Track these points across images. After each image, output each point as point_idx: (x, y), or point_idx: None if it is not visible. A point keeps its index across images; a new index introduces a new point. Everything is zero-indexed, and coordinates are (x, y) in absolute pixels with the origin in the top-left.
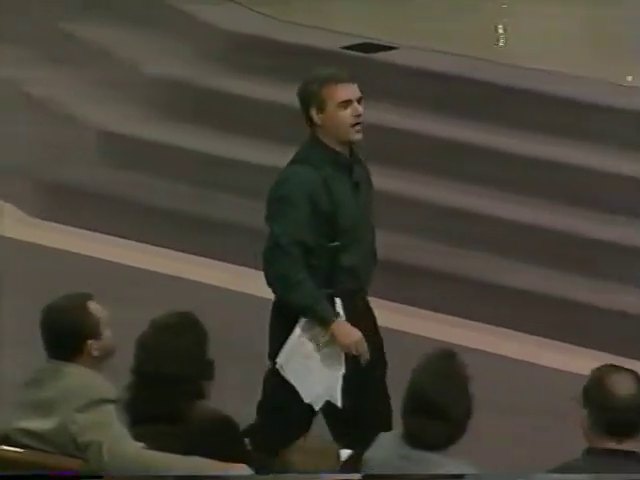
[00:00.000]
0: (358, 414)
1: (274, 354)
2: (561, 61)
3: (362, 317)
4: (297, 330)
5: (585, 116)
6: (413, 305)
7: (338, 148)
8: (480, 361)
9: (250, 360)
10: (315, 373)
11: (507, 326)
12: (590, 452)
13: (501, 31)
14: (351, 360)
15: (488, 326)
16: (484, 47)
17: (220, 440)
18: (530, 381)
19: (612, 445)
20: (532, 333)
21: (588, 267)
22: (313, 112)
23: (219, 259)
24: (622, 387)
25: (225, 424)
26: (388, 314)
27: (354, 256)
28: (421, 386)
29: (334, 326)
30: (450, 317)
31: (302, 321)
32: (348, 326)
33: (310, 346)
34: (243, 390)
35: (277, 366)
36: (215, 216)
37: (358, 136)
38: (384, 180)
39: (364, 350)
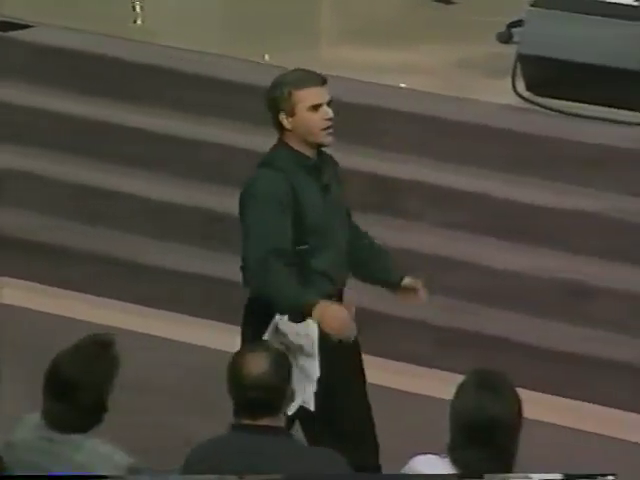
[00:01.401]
0: (334, 416)
1: None
2: (200, 39)
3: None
4: (266, 336)
5: (225, 93)
6: (62, 287)
7: (306, 152)
8: (130, 342)
9: None
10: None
11: (156, 306)
12: (234, 428)
13: (138, 10)
14: (325, 363)
15: (137, 306)
16: (121, 25)
17: None
18: (178, 359)
19: (249, 421)
20: (184, 313)
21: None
22: (282, 116)
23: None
24: (251, 366)
25: None
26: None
27: (325, 259)
28: (60, 368)
29: (318, 311)
30: (97, 298)
31: (271, 327)
32: (333, 307)
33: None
34: None
35: None
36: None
37: (329, 139)
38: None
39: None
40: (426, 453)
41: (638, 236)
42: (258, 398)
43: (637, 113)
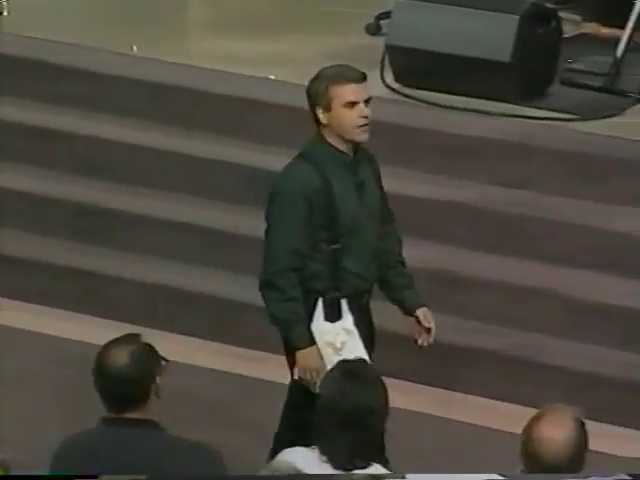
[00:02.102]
0: None
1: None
2: (68, 31)
3: (364, 317)
4: (316, 337)
5: (94, 85)
6: None
7: (342, 147)
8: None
9: None
10: None
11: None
12: (103, 421)
13: (4, 1)
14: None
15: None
16: None
17: None
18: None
19: (115, 415)
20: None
21: None
22: (319, 111)
23: None
24: (112, 360)
25: None
26: None
27: (357, 259)
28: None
29: (297, 357)
30: None
31: (314, 331)
32: (313, 353)
33: (329, 351)
34: None
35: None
36: None
37: (364, 137)
38: None
39: (313, 381)
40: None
41: (508, 226)
42: (121, 391)
43: (505, 104)
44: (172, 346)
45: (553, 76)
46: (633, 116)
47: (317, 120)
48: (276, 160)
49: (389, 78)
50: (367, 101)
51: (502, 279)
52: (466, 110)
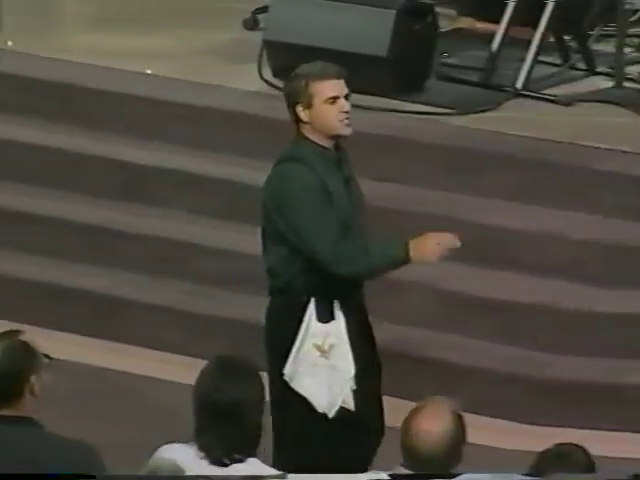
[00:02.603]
0: (351, 415)
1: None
2: None
3: (357, 317)
4: (299, 340)
5: None
6: None
7: (325, 144)
8: None
9: None
10: (324, 380)
11: None
12: None
13: None
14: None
15: None
16: None
17: None
18: None
19: None
20: None
21: None
22: (299, 108)
23: None
24: None
25: None
26: None
27: None
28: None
29: (414, 256)
30: None
31: (302, 330)
32: (416, 246)
33: (315, 353)
34: None
35: (285, 378)
36: None
37: (347, 130)
38: None
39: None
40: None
41: (386, 220)
42: None
43: (382, 99)
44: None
45: (430, 71)
46: (508, 110)
47: (297, 119)
48: (152, 155)
49: (267, 73)
50: (347, 96)
51: None
52: None
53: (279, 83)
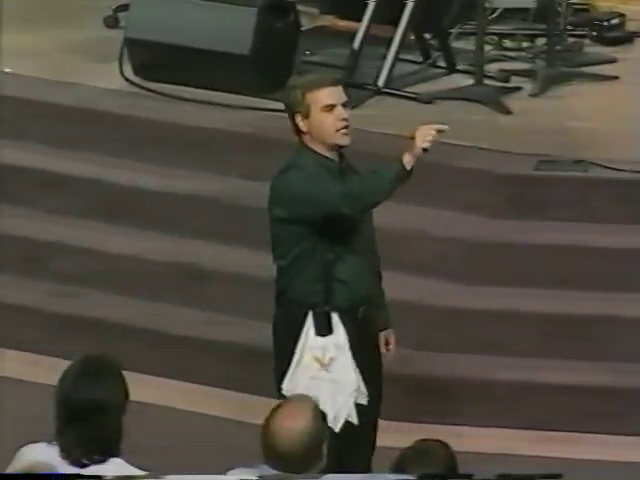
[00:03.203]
0: (347, 428)
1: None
2: None
3: (362, 333)
4: (297, 353)
5: None
6: None
7: (327, 154)
8: None
9: None
10: (326, 394)
11: None
12: None
13: None
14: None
15: None
16: None
17: None
18: None
19: None
20: None
21: None
22: (298, 119)
23: None
24: None
25: None
26: None
27: (351, 269)
28: None
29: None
30: None
31: (300, 344)
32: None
33: (315, 366)
34: None
35: (283, 392)
36: None
37: (346, 140)
38: None
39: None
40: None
41: (249, 218)
42: None
43: (243, 97)
44: None
45: (292, 69)
46: (370, 108)
47: (298, 129)
48: (15, 155)
49: (128, 71)
50: (344, 104)
51: (244, 271)
52: (206, 103)
53: (141, 81)
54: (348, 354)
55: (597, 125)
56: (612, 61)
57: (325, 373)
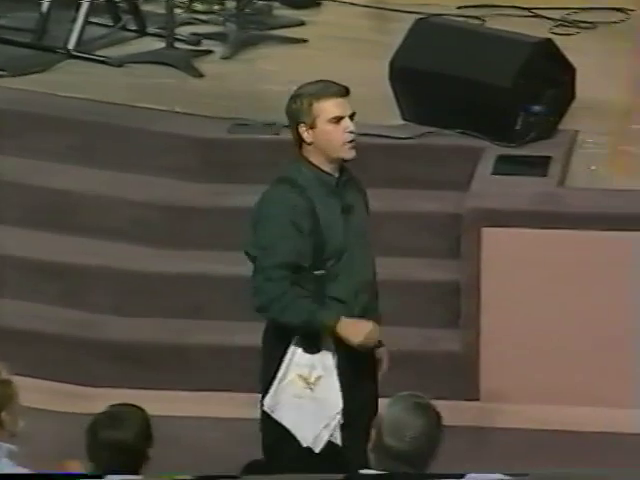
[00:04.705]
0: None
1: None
2: None
3: (352, 350)
4: (282, 370)
5: None
6: None
7: (327, 168)
8: None
9: None
10: (309, 413)
11: None
12: None
13: None
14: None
15: None
16: None
17: None
18: None
19: None
20: None
21: None
22: (303, 129)
23: None
24: None
25: None
26: None
27: (344, 285)
28: None
29: (340, 330)
30: None
31: (287, 359)
32: (352, 324)
33: (300, 384)
34: None
35: (265, 409)
36: None
37: (351, 153)
38: None
39: (374, 339)
40: None
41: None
42: None
43: None
44: None
45: None
46: (61, 72)
47: (300, 140)
48: None
49: None
50: (352, 116)
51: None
52: None
53: None
54: (335, 374)
55: (288, 88)
56: (300, 24)
57: (309, 392)
